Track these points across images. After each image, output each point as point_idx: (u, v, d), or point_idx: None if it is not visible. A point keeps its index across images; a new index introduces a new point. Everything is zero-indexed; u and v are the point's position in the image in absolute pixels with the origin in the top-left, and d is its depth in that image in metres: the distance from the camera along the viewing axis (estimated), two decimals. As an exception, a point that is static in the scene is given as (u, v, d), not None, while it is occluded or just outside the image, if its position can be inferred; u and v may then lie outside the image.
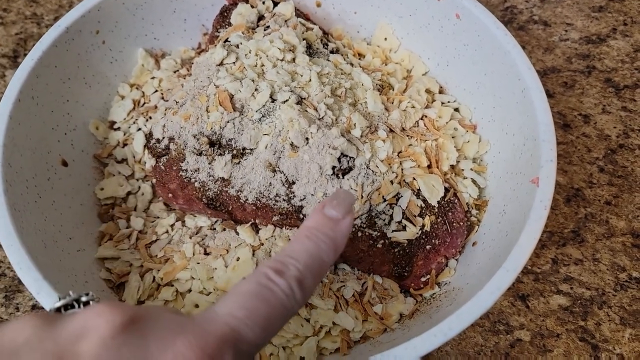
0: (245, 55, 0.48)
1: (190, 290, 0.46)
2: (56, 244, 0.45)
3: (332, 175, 0.44)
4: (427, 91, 0.56)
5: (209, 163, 0.44)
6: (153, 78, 0.58)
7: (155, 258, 0.48)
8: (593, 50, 0.73)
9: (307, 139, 0.44)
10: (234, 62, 0.47)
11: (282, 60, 0.47)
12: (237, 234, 0.47)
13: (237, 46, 0.49)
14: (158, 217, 0.52)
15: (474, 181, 0.51)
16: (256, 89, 0.45)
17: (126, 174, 0.54)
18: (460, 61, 0.55)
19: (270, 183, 0.44)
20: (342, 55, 0.55)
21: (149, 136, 0.47)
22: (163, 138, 0.45)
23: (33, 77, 0.48)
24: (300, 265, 0.30)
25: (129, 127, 0.55)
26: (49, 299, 0.37)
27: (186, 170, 0.45)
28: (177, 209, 0.51)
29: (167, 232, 0.50)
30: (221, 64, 0.47)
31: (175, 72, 0.58)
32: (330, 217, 0.34)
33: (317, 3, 0.62)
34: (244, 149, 0.44)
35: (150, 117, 0.55)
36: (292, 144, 0.44)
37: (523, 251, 0.39)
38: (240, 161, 0.44)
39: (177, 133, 0.45)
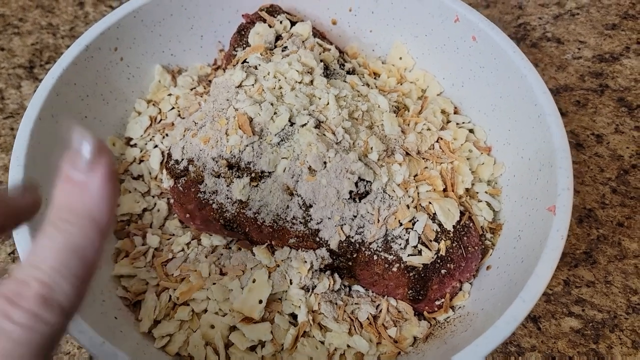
0: (264, 77, 0.48)
1: (206, 311, 0.46)
2: (74, 262, 0.45)
3: (349, 199, 0.44)
4: (442, 112, 0.56)
5: (227, 185, 0.45)
6: (170, 95, 0.58)
7: (171, 277, 0.48)
8: (606, 68, 0.73)
9: (325, 163, 0.44)
10: (252, 84, 0.47)
11: (300, 82, 0.48)
12: (253, 254, 0.48)
13: (256, 67, 0.49)
14: (173, 235, 0.52)
15: (488, 204, 0.51)
16: (275, 113, 0.45)
17: (142, 190, 0.54)
18: (476, 83, 0.56)
19: (287, 206, 0.45)
20: (358, 75, 0.55)
21: (167, 157, 0.47)
22: (182, 159, 0.46)
23: (53, 95, 0.49)
24: (44, 274, 0.24)
25: (146, 144, 0.56)
26: (74, 323, 0.37)
27: (204, 192, 0.45)
28: (193, 228, 0.51)
29: (182, 250, 0.50)
30: (240, 85, 0.47)
31: (192, 89, 0.59)
32: (75, 182, 0.27)
33: (332, 21, 0.62)
34: (262, 172, 0.44)
35: (167, 135, 0.55)
36: (310, 168, 0.44)
37: (540, 281, 0.39)
38: (258, 184, 0.44)
39: (196, 155, 0.45)
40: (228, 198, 0.45)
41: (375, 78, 0.59)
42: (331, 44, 0.56)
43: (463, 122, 0.56)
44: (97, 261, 0.27)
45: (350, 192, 0.44)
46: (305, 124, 0.45)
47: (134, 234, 0.52)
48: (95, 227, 0.26)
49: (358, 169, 0.44)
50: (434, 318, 0.48)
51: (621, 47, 0.75)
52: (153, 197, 0.54)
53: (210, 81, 0.60)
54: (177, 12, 0.58)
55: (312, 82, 0.49)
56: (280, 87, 0.47)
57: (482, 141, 0.55)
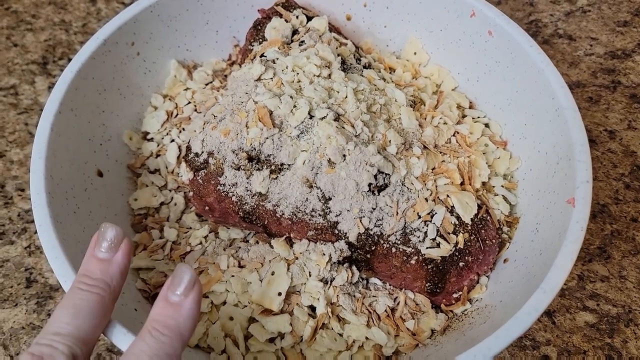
0: (282, 70, 0.48)
1: (225, 303, 0.46)
2: (94, 254, 0.45)
3: (368, 191, 0.45)
4: (458, 106, 0.56)
5: (247, 178, 0.45)
6: (186, 89, 0.59)
7: (190, 269, 0.48)
8: (618, 65, 0.74)
9: (344, 155, 0.44)
10: (271, 78, 0.47)
11: (318, 76, 0.48)
12: (271, 247, 0.48)
13: (274, 61, 0.49)
14: (190, 228, 0.53)
15: (505, 198, 0.51)
16: (295, 106, 0.45)
17: (159, 184, 0.54)
18: (491, 77, 0.56)
19: (306, 198, 0.45)
20: (374, 70, 0.55)
21: (187, 150, 0.48)
22: (202, 152, 0.46)
23: (72, 89, 0.49)
24: None
25: (162, 138, 0.56)
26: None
27: (224, 185, 0.46)
28: (211, 222, 0.51)
29: (200, 243, 0.50)
30: (259, 79, 0.47)
31: (207, 84, 0.59)
32: (171, 303, 0.35)
33: (347, 16, 0.62)
34: (282, 164, 0.45)
35: (184, 129, 0.56)
36: (329, 161, 0.44)
37: (560, 272, 0.39)
38: (277, 176, 0.45)
39: (216, 148, 0.45)
40: (247, 190, 0.45)
41: (390, 73, 0.59)
42: (346, 39, 0.57)
43: (478, 117, 0.57)
44: None
45: (370, 184, 0.44)
46: (324, 117, 0.45)
47: (151, 228, 0.52)
48: (181, 341, 0.34)
49: (377, 161, 0.44)
50: (451, 311, 0.48)
51: (633, 43, 0.75)
52: (170, 190, 0.55)
53: (225, 76, 0.60)
54: (193, 7, 0.58)
55: (330, 75, 0.49)
56: (299, 81, 0.47)
57: (498, 135, 0.55)
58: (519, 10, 0.80)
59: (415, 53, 0.61)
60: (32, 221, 0.62)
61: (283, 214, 0.45)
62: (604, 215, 0.62)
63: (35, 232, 0.61)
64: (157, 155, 0.56)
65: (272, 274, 0.46)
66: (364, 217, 0.45)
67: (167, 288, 0.35)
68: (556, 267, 0.39)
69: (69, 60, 0.76)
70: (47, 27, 0.79)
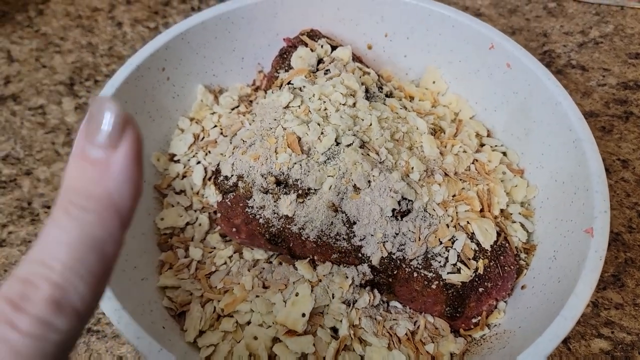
0: (310, 98, 0.50)
1: (249, 323, 0.48)
2: (124, 273, 0.47)
3: (391, 217, 0.46)
4: (476, 135, 0.58)
5: (275, 201, 0.46)
6: (213, 113, 0.61)
7: (215, 289, 0.50)
8: (630, 96, 0.75)
9: (369, 181, 0.46)
10: (299, 105, 0.49)
11: (344, 104, 0.50)
12: (295, 268, 0.49)
13: (301, 89, 0.51)
14: (215, 248, 0.54)
15: (522, 225, 0.53)
16: (322, 133, 0.47)
17: (185, 204, 0.56)
18: (509, 108, 0.57)
19: (332, 222, 0.46)
20: (396, 98, 0.57)
21: (217, 173, 0.49)
22: (232, 175, 0.48)
23: (107, 112, 0.51)
24: (56, 274, 0.20)
25: (189, 160, 0.58)
26: (129, 328, 0.39)
27: (252, 207, 0.47)
28: (236, 242, 0.53)
29: (225, 263, 0.52)
30: (287, 106, 0.49)
31: (233, 109, 0.61)
32: (92, 161, 0.22)
33: (368, 45, 0.65)
34: (308, 189, 0.46)
35: (210, 152, 0.57)
36: (354, 186, 0.46)
37: (580, 300, 0.40)
38: (304, 200, 0.46)
39: (246, 172, 0.47)
40: (275, 213, 0.47)
41: (410, 101, 0.61)
42: (369, 67, 0.59)
43: (496, 145, 0.58)
44: (117, 256, 0.23)
45: (393, 210, 0.46)
46: (350, 144, 0.47)
47: (177, 247, 0.54)
48: (116, 216, 0.22)
49: (401, 188, 0.46)
50: (470, 335, 0.49)
51: (645, 75, 0.77)
52: (195, 211, 0.56)
53: (250, 101, 0.62)
54: (222, 34, 0.60)
55: (354, 104, 0.51)
56: (326, 109, 0.49)
57: (515, 164, 0.57)
58: (533, 41, 0.83)
59: (434, 82, 0.63)
60: (58, 238, 0.63)
61: (308, 236, 0.47)
62: (617, 243, 0.63)
63: (61, 249, 0.62)
64: (183, 177, 0.58)
65: (297, 295, 0.47)
66: (387, 241, 0.46)
67: (82, 138, 0.23)
68: (576, 295, 0.40)
69: (96, 82, 0.78)
70: (75, 49, 0.82)
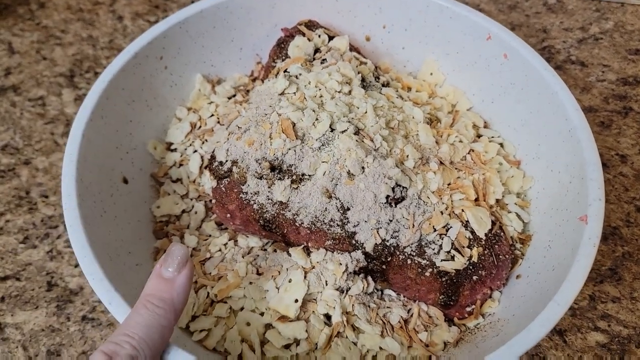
0: (305, 86, 0.50)
1: (242, 308, 0.48)
2: (119, 257, 0.47)
3: (385, 203, 0.46)
4: (473, 126, 0.58)
5: (269, 187, 0.46)
6: (210, 103, 0.61)
7: (209, 275, 0.50)
8: (630, 91, 0.75)
9: (363, 168, 0.46)
10: (294, 92, 0.49)
11: (339, 92, 0.50)
12: (289, 255, 0.49)
13: (297, 77, 0.51)
14: (210, 236, 0.54)
15: (518, 215, 0.53)
16: (316, 119, 0.47)
17: (181, 193, 0.56)
18: (506, 99, 0.57)
19: (325, 208, 0.46)
20: (392, 88, 0.57)
21: (211, 159, 0.50)
22: (226, 161, 0.48)
23: (104, 98, 0.51)
24: (135, 341, 0.33)
25: (186, 149, 0.58)
26: (120, 310, 0.39)
27: (246, 193, 0.47)
28: (230, 229, 0.53)
29: (220, 250, 0.52)
30: (283, 93, 0.49)
31: (230, 98, 0.61)
32: (165, 278, 0.37)
33: (366, 37, 0.65)
34: (302, 174, 0.46)
35: (206, 140, 0.58)
36: (348, 172, 0.46)
37: (573, 286, 0.40)
38: (298, 186, 0.46)
39: (240, 157, 0.47)
40: (269, 199, 0.47)
41: (407, 91, 0.61)
42: (366, 58, 0.59)
43: (493, 137, 0.58)
44: (168, 335, 0.36)
45: (387, 196, 0.46)
46: (345, 130, 0.47)
47: (172, 234, 0.54)
48: (174, 313, 0.36)
49: (395, 174, 0.46)
50: (464, 324, 0.49)
51: (644, 71, 0.77)
52: (191, 199, 0.56)
53: (247, 91, 0.63)
54: (220, 24, 0.60)
55: (350, 92, 0.51)
56: (321, 96, 0.49)
57: (512, 155, 0.57)
58: (533, 37, 0.82)
59: (431, 74, 0.63)
60: (55, 227, 0.63)
61: (302, 223, 0.47)
62: (615, 237, 0.62)
63: (58, 238, 0.62)
64: (180, 165, 0.58)
65: (289, 281, 0.47)
66: (380, 228, 0.46)
67: (160, 265, 0.38)
68: (569, 281, 0.40)
69: (96, 74, 0.79)
70: (75, 42, 0.83)
